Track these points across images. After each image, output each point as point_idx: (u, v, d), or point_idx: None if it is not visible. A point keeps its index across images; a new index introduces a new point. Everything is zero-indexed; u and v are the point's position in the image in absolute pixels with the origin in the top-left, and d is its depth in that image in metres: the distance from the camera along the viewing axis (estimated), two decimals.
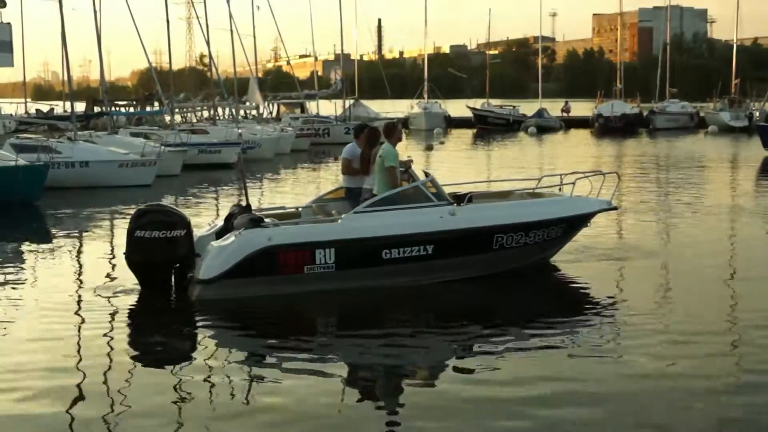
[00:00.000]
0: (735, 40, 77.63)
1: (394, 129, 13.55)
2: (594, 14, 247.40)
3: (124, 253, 12.48)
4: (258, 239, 11.94)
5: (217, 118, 51.95)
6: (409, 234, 12.43)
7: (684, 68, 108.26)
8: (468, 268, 12.93)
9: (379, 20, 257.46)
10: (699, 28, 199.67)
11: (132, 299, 12.16)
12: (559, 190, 14.91)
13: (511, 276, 13.22)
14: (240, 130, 40.85)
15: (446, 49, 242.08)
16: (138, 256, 12.24)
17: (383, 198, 12.66)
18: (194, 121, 54.15)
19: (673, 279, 14.01)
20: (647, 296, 12.37)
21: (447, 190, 13.51)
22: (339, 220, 12.55)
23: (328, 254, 12.11)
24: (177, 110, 50.85)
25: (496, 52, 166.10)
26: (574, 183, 14.04)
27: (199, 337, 10.74)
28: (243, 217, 12.55)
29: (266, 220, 12.62)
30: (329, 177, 32.92)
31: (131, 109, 58.63)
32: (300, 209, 14.11)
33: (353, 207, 13.07)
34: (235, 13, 50.43)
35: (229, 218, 12.97)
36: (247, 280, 11.88)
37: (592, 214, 14.34)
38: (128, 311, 11.67)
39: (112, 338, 10.42)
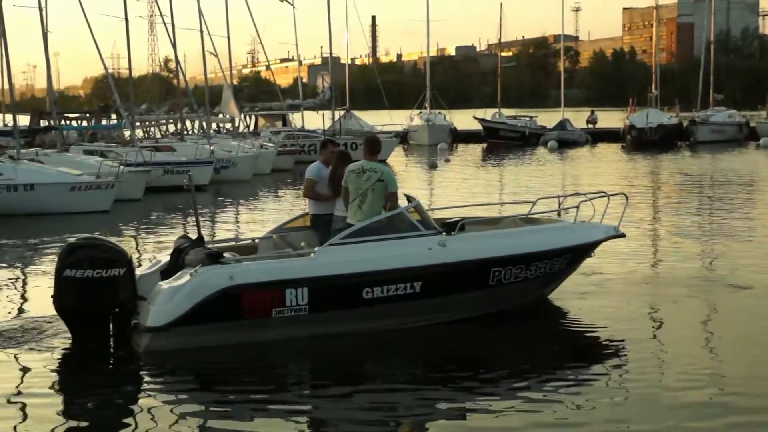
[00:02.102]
0: None
1: (380, 144, 13.80)
2: (624, 8, 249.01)
3: (53, 296, 12.18)
4: (217, 279, 11.74)
5: (186, 132, 52.14)
6: (394, 269, 12.35)
7: (731, 70, 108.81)
8: (460, 309, 12.92)
9: (374, 18, 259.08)
10: (749, 23, 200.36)
11: (61, 352, 11.94)
12: (558, 215, 15.09)
13: (505, 317, 13.25)
14: (212, 147, 41.03)
15: (451, 51, 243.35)
16: (69, 299, 11.98)
17: (362, 228, 12.60)
18: (158, 136, 54.47)
19: (714, 322, 13.99)
20: (680, 343, 12.32)
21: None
22: (312, 254, 12.44)
23: (300, 294, 11.97)
24: (138, 124, 51.10)
25: (510, 53, 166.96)
26: (578, 207, 14.16)
27: (147, 400, 10.41)
28: (197, 252, 12.30)
29: (226, 254, 12.47)
30: None
31: (84, 123, 58.80)
32: (257, 241, 14.12)
33: (321, 237, 13.14)
34: (206, 11, 50.71)
35: (176, 253, 12.77)
36: (204, 327, 11.68)
37: (598, 243, 14.37)
38: (58, 366, 11.47)
39: (37, 402, 10.12)
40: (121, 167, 30.76)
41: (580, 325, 13.66)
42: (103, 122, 56.97)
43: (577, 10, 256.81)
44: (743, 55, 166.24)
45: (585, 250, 14.17)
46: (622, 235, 14.73)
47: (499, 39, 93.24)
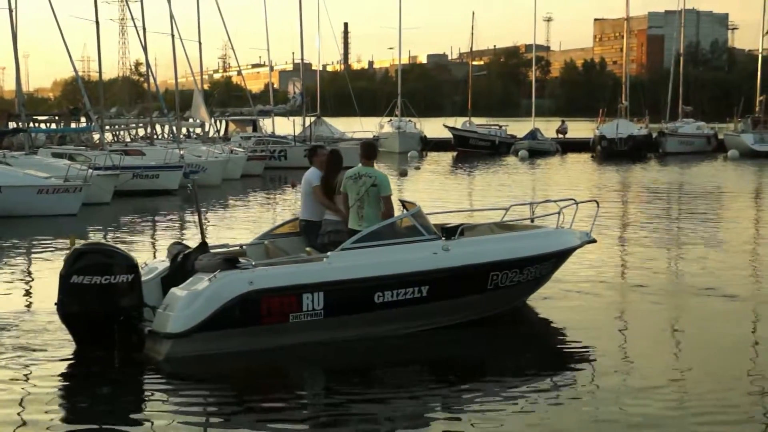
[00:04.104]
0: (761, 50, 78.47)
1: (376, 149, 13.94)
2: (596, 19, 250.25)
3: (57, 304, 11.95)
4: (237, 284, 11.69)
5: (155, 136, 51.94)
6: (405, 273, 12.52)
7: (700, 83, 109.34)
8: (458, 312, 13.17)
9: (346, 25, 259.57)
10: (718, 36, 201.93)
11: (63, 363, 11.70)
12: (531, 221, 15.29)
13: (476, 322, 13.44)
14: (182, 152, 40.90)
15: (423, 59, 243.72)
16: (75, 306, 11.76)
17: (371, 233, 12.73)
18: (128, 140, 54.18)
19: (681, 328, 14.20)
20: (648, 349, 12.60)
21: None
22: (325, 259, 12.49)
23: (316, 299, 12.00)
24: (108, 127, 50.79)
25: (481, 62, 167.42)
26: (559, 213, 14.48)
27: (157, 408, 10.25)
28: (209, 257, 12.32)
29: (241, 260, 12.38)
30: (287, 207, 32.97)
31: (53, 126, 58.50)
32: (245, 247, 14.06)
33: (312, 243, 13.24)
34: (177, 15, 50.57)
35: (182, 259, 12.69)
36: (224, 332, 11.63)
37: (577, 248, 14.74)
38: (61, 379, 11.20)
39: (44, 420, 9.75)
40: (90, 171, 30.63)
41: (551, 331, 13.90)
42: (73, 125, 56.67)
43: (549, 20, 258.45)
44: (712, 67, 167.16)
45: (568, 254, 14.58)
46: (594, 241, 15.22)
47: (471, 48, 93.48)
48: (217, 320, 11.53)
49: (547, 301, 14.97)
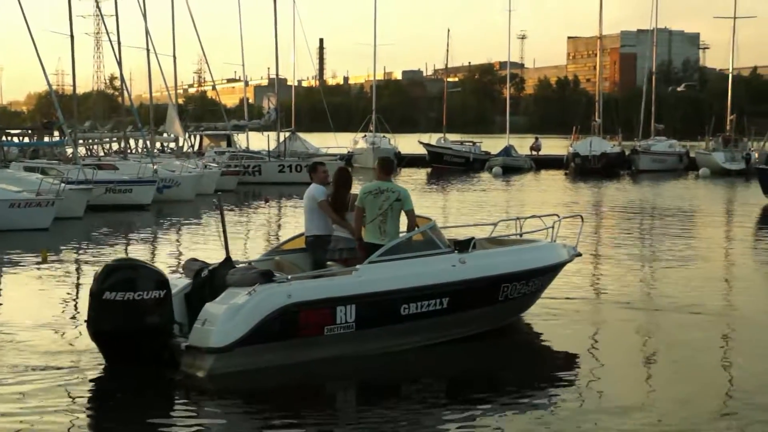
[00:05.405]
0: (731, 70, 78.99)
1: (394, 164, 14.24)
2: (569, 37, 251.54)
3: (87, 321, 11.93)
4: (277, 297, 11.76)
5: (129, 151, 51.74)
6: (429, 285, 12.76)
7: (672, 101, 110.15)
8: (471, 324, 13.44)
9: (321, 40, 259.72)
10: (690, 55, 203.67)
11: (89, 383, 11.58)
12: (520, 236, 15.50)
13: (480, 336, 13.66)
14: (155, 166, 40.69)
15: (398, 75, 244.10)
16: (106, 323, 11.67)
17: (394, 246, 12.90)
18: (101, 154, 53.99)
19: (662, 346, 14.25)
20: (633, 363, 12.89)
21: None
22: (354, 272, 12.59)
23: (348, 312, 12.16)
24: (81, 141, 50.62)
25: (456, 79, 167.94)
26: (552, 227, 14.78)
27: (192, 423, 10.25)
28: (241, 272, 12.35)
29: (276, 273, 12.38)
30: (261, 223, 32.86)
31: (26, 139, 58.20)
32: (252, 263, 13.91)
33: (320, 258, 13.34)
34: (152, 30, 50.44)
35: (209, 274, 12.64)
36: (263, 346, 11.67)
37: (568, 262, 15.10)
38: (95, 400, 11.16)
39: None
40: (62, 185, 30.44)
41: (534, 347, 14.21)
42: (45, 139, 56.38)
43: (523, 37, 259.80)
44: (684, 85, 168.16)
45: (561, 267, 14.96)
46: (579, 255, 15.67)
47: (446, 64, 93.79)
48: (258, 334, 11.60)
49: (530, 317, 15.01)
